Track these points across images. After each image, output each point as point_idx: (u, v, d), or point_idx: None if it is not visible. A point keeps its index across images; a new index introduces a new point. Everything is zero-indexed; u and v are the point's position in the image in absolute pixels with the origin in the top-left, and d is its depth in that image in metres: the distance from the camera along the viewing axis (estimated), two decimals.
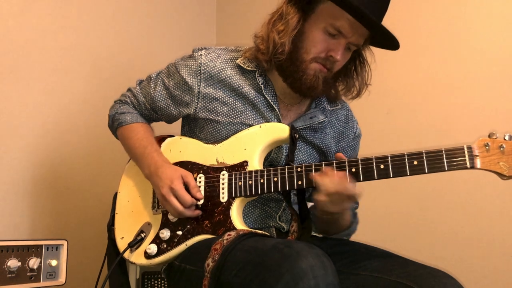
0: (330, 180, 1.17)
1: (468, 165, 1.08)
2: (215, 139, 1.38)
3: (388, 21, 1.30)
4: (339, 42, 1.29)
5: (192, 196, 1.27)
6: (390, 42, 1.31)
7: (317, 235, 1.43)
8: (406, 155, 1.13)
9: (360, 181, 1.18)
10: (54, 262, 1.54)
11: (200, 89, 1.39)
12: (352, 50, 1.35)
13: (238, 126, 1.37)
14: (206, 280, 1.10)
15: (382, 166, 1.15)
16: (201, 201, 1.30)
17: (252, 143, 1.31)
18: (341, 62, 1.34)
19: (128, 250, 1.36)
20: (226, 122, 1.37)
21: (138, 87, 1.53)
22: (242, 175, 1.28)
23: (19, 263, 1.46)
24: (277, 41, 1.30)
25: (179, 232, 1.30)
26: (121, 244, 1.40)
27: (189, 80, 1.40)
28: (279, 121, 1.38)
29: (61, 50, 2.09)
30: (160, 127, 1.58)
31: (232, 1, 2.80)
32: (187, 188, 1.28)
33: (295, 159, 1.37)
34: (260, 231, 1.21)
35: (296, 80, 1.32)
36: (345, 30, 1.27)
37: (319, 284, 0.93)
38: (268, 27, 1.34)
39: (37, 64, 2.01)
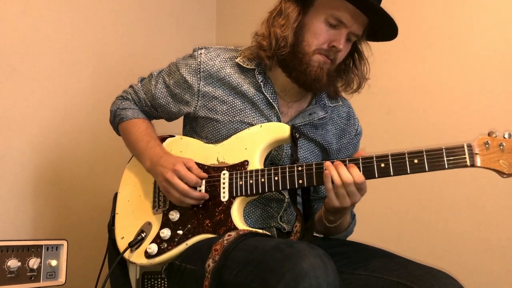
0: (337, 173, 1.17)
1: (468, 163, 1.09)
2: (216, 138, 1.38)
3: None
4: (340, 32, 1.30)
5: (196, 176, 1.28)
6: (389, 29, 1.33)
7: (318, 235, 1.43)
8: (406, 154, 1.14)
9: None
10: (54, 262, 1.54)
11: (200, 87, 1.40)
12: (352, 41, 1.36)
13: (238, 125, 1.37)
14: (207, 281, 1.10)
15: (382, 165, 1.15)
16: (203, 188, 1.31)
17: (252, 143, 1.32)
18: (343, 52, 1.35)
19: (128, 250, 1.35)
20: (226, 121, 1.37)
21: (139, 84, 1.55)
22: (243, 174, 1.28)
23: (19, 263, 1.46)
24: (279, 34, 1.31)
25: (180, 232, 1.30)
26: (121, 244, 1.40)
27: (189, 79, 1.40)
28: (278, 118, 1.38)
29: (62, 51, 2.09)
30: (161, 126, 1.58)
31: (232, 1, 2.80)
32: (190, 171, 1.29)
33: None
34: (261, 231, 1.21)
35: (301, 73, 1.32)
36: (346, 19, 1.28)
37: (320, 284, 0.93)
38: (268, 23, 1.35)
39: (38, 64, 2.01)
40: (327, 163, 1.19)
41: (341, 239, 1.40)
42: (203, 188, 1.32)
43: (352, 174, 1.16)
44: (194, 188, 1.29)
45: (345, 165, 1.18)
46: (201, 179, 1.30)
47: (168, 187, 1.30)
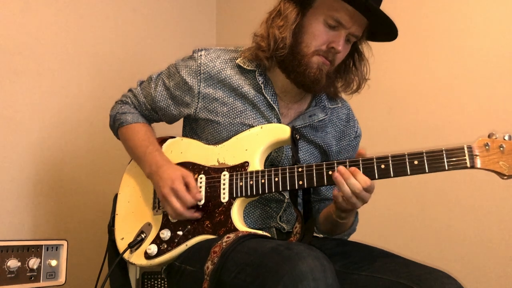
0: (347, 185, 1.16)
1: (468, 165, 1.09)
2: (216, 140, 1.38)
3: None
4: (339, 33, 1.30)
5: (193, 197, 1.27)
6: (389, 31, 1.32)
7: (318, 235, 1.43)
8: (406, 155, 1.13)
9: None
10: (54, 262, 1.54)
11: (200, 89, 1.39)
12: (351, 42, 1.36)
13: (238, 127, 1.37)
14: (205, 283, 1.10)
15: (383, 166, 1.15)
16: (202, 202, 1.30)
17: (253, 144, 1.31)
18: (342, 54, 1.34)
19: (128, 251, 1.35)
20: (226, 123, 1.37)
21: (139, 88, 1.54)
22: (243, 175, 1.28)
23: (19, 263, 1.46)
24: (278, 36, 1.31)
25: (180, 233, 1.30)
26: (121, 245, 1.39)
27: (189, 81, 1.40)
28: (278, 120, 1.38)
29: (62, 51, 2.09)
30: (161, 128, 1.58)
31: (232, 1, 2.80)
32: (187, 189, 1.28)
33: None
34: (260, 232, 1.21)
35: (300, 74, 1.32)
36: (344, 20, 1.28)
37: (319, 286, 0.93)
38: (267, 24, 1.35)
39: (38, 65, 2.01)
40: (335, 175, 1.18)
41: (341, 239, 1.40)
42: (203, 189, 1.32)
43: (359, 181, 1.15)
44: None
45: (346, 167, 1.17)
46: (198, 200, 1.29)
47: (165, 202, 1.30)
